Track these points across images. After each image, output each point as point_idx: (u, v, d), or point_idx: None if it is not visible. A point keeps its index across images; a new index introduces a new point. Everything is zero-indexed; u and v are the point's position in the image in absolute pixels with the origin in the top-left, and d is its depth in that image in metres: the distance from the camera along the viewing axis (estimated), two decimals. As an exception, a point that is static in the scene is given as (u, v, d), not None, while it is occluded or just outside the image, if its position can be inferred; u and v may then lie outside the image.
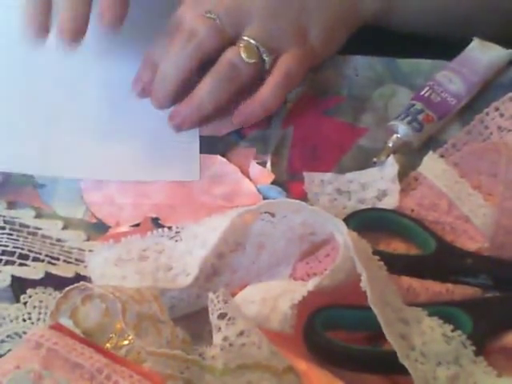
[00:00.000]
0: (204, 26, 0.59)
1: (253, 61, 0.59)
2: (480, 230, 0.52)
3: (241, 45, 0.59)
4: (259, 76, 0.60)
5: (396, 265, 0.48)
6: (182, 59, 0.59)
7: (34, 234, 0.55)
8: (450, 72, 0.62)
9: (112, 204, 0.57)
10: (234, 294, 0.46)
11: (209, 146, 0.61)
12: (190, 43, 0.58)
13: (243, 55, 0.59)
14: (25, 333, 0.49)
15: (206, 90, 0.59)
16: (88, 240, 0.55)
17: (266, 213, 0.50)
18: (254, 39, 0.59)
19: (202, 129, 0.61)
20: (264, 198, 0.57)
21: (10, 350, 0.47)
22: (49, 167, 0.58)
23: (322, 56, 0.63)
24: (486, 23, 0.66)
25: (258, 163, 0.59)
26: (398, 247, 0.52)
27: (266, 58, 0.59)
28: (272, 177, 0.58)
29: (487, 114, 0.59)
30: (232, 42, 0.59)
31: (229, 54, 0.59)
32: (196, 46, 0.59)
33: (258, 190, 0.58)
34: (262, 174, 0.59)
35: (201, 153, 0.60)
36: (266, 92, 0.60)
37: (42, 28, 0.56)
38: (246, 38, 0.59)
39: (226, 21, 0.59)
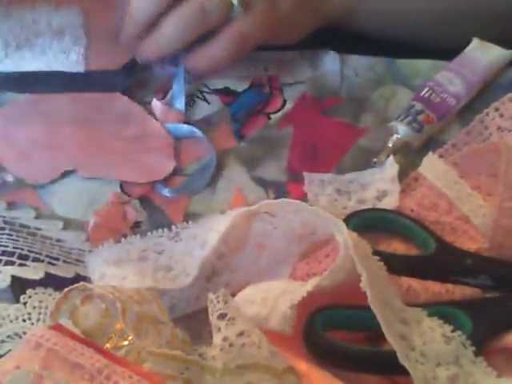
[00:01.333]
0: None
1: (223, 5, 0.58)
2: (480, 230, 0.52)
3: None
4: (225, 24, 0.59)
5: (396, 265, 0.48)
6: None
7: (34, 234, 0.55)
8: (449, 72, 0.62)
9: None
10: (233, 295, 0.46)
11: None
12: None
13: None
14: (25, 333, 0.49)
15: (170, 29, 0.58)
16: (88, 240, 0.55)
17: (265, 213, 0.50)
18: None
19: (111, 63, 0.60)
20: (174, 138, 0.58)
21: (9, 351, 0.47)
22: None
23: (285, 28, 0.62)
24: (459, 26, 0.66)
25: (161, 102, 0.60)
26: (398, 247, 0.52)
27: (235, 4, 0.58)
28: (182, 117, 0.58)
29: (487, 114, 0.58)
30: None
31: None
32: None
33: (168, 130, 0.58)
34: (169, 112, 0.59)
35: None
36: (216, 44, 0.59)
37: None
38: None
39: None
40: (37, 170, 0.57)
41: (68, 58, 0.59)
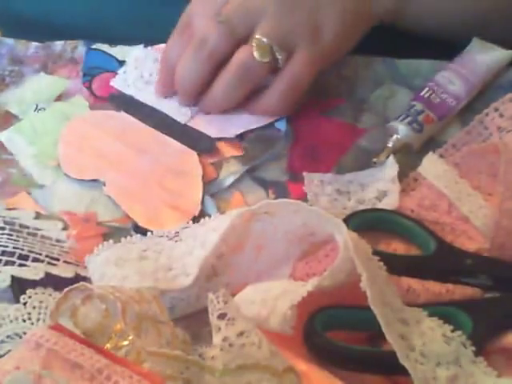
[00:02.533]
0: (215, 32, 0.58)
1: (266, 60, 0.58)
2: (480, 230, 0.52)
3: (253, 44, 0.58)
4: (272, 73, 0.59)
5: (396, 265, 0.48)
6: (195, 65, 0.59)
7: (34, 234, 0.55)
8: (449, 73, 0.62)
9: None
10: (233, 295, 0.46)
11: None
12: (203, 50, 0.59)
13: (256, 55, 0.58)
14: (25, 333, 0.49)
15: (219, 90, 0.59)
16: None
17: (265, 213, 0.50)
18: (266, 37, 0.58)
19: (211, 130, 0.62)
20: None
21: (9, 351, 0.47)
22: None
23: (334, 56, 0.62)
24: (503, 25, 0.66)
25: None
26: (398, 247, 0.52)
27: (280, 57, 0.58)
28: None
29: (487, 114, 0.58)
30: (245, 40, 0.59)
31: (241, 55, 0.58)
32: (208, 53, 0.59)
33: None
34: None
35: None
36: (272, 98, 0.60)
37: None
38: (258, 36, 0.58)
39: (236, 21, 0.59)
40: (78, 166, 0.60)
41: (178, 109, 0.63)
